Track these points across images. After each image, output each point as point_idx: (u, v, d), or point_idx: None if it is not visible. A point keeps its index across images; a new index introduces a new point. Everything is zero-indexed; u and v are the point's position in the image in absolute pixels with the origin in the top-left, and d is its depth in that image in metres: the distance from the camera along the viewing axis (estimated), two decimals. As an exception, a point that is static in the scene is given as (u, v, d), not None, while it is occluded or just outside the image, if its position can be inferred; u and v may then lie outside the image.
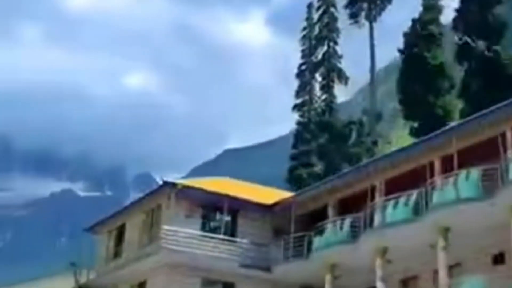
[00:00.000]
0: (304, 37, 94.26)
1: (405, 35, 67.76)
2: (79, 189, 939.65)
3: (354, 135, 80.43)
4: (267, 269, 37.34)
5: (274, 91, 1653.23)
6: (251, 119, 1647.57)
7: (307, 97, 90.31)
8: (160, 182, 39.04)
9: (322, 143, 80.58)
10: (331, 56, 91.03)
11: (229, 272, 37.17)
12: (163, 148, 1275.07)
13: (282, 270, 36.92)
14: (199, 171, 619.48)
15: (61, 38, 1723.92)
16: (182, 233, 36.61)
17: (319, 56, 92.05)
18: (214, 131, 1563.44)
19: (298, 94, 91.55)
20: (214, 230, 38.51)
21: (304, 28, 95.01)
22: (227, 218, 39.01)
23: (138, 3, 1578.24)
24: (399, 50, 68.99)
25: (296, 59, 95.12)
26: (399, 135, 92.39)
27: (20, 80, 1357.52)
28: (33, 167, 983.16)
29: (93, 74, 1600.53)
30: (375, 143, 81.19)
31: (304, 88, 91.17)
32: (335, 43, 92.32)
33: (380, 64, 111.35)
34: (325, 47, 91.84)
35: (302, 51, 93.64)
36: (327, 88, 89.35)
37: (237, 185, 43.65)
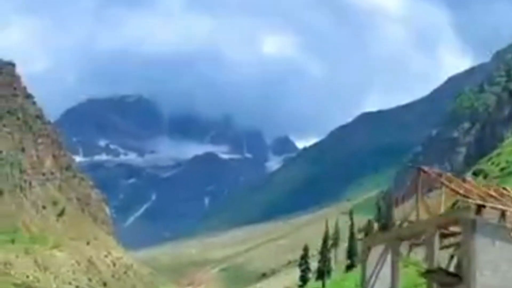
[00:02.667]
0: None
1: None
2: (221, 152, 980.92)
3: None
4: None
5: (410, 56, 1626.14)
6: (388, 83, 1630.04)
7: None
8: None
9: None
10: None
11: None
12: (300, 111, 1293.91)
13: None
14: (336, 135, 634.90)
15: (200, 5, 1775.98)
16: None
17: None
18: (350, 95, 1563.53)
19: None
20: None
21: None
22: None
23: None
24: None
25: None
26: None
27: (163, 47, 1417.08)
28: (178, 131, 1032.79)
29: (231, 39, 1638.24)
30: None
31: None
32: None
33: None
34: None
35: None
36: None
37: None
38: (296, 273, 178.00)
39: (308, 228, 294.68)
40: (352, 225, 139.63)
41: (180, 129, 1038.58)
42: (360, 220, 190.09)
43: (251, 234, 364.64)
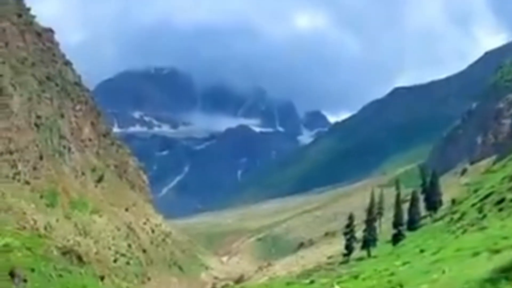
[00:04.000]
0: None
1: None
2: (254, 124, 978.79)
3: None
4: None
5: (444, 31, 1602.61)
6: (421, 58, 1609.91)
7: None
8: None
9: None
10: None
11: None
12: (333, 86, 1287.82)
13: None
14: (368, 109, 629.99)
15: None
16: None
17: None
18: (383, 70, 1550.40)
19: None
20: None
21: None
22: None
23: None
24: None
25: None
26: None
27: (197, 20, 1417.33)
28: (211, 104, 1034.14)
29: (265, 13, 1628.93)
30: None
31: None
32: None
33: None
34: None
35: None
36: None
37: None
38: (336, 243, 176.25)
39: (344, 200, 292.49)
40: (398, 195, 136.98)
41: (213, 102, 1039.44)
42: (402, 191, 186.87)
43: (285, 206, 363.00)
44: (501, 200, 61.75)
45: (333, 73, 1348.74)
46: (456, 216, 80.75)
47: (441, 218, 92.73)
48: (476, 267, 35.47)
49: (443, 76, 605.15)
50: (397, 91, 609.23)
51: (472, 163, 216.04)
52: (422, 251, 67.10)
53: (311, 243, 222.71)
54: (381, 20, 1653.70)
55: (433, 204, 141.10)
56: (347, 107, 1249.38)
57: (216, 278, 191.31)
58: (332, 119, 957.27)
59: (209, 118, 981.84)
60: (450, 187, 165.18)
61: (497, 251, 38.09)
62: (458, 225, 70.82)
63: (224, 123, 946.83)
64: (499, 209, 59.47)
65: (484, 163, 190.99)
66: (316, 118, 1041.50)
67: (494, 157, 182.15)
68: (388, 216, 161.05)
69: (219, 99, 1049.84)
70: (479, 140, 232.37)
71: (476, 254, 41.86)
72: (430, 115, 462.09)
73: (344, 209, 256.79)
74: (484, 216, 61.62)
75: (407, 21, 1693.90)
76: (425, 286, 35.25)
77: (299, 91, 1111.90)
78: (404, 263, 62.52)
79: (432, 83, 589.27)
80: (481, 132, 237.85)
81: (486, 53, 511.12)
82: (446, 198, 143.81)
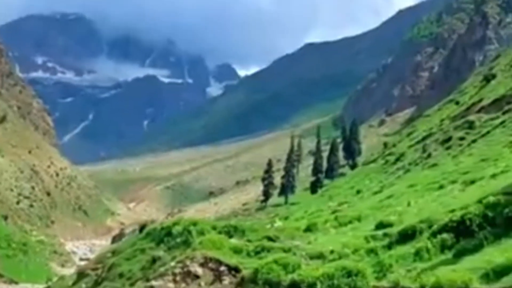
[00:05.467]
0: None
1: None
2: (162, 75, 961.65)
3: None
4: None
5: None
6: (334, 15, 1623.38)
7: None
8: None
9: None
10: None
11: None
12: (244, 40, 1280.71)
13: None
14: (279, 64, 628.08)
15: None
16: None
17: None
18: (296, 26, 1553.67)
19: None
20: None
21: None
22: None
23: None
24: None
25: None
26: None
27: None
28: (119, 52, 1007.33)
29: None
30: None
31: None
32: None
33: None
34: None
35: None
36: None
37: None
38: (249, 191, 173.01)
39: (255, 151, 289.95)
40: (319, 142, 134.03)
41: (121, 50, 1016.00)
42: (312, 143, 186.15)
43: (194, 155, 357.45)
44: (448, 139, 59.72)
45: (244, 28, 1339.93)
46: (392, 158, 78.48)
47: (370, 162, 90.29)
48: (460, 197, 31.07)
49: (357, 33, 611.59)
50: (308, 47, 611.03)
51: (389, 114, 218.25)
52: (359, 191, 63.92)
53: (222, 191, 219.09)
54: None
55: (352, 154, 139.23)
56: (258, 61, 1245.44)
57: (122, 224, 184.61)
58: (242, 72, 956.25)
59: (116, 67, 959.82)
60: (368, 138, 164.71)
61: (472, 182, 34.27)
62: (398, 166, 68.66)
63: (131, 72, 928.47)
64: (446, 147, 57.62)
65: (402, 115, 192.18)
66: (225, 71, 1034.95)
67: (412, 109, 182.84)
68: (303, 165, 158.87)
69: (127, 48, 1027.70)
70: (395, 92, 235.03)
71: (441, 187, 38.16)
72: (344, 70, 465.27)
73: (255, 159, 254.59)
74: (429, 155, 59.47)
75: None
76: (394, 218, 30.42)
77: (209, 44, 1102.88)
78: (341, 203, 58.56)
79: (345, 39, 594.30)
80: (397, 85, 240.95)
81: (400, 11, 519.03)
82: (363, 148, 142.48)
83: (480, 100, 62.38)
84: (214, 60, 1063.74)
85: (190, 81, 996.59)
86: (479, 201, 20.33)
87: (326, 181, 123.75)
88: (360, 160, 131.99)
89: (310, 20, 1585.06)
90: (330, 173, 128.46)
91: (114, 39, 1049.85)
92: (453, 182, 37.49)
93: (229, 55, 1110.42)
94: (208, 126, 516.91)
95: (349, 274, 17.69)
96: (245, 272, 20.44)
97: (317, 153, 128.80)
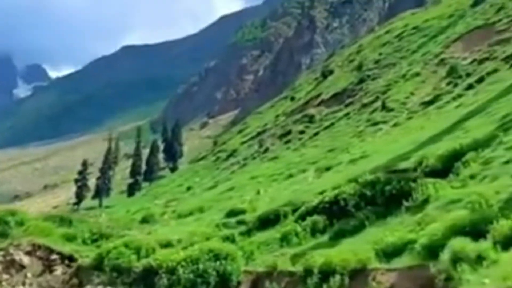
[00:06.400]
0: None
1: None
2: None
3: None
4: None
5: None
6: (152, 18, 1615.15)
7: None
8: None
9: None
10: None
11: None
12: (56, 42, 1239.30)
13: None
14: (95, 66, 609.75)
15: None
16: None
17: None
18: (110, 28, 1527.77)
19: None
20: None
21: None
22: None
23: None
24: None
25: None
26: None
27: None
28: None
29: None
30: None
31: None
32: None
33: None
34: None
35: None
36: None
37: None
38: (59, 195, 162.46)
39: (65, 154, 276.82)
40: (139, 143, 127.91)
41: None
42: (129, 146, 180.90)
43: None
44: (287, 133, 57.41)
45: (57, 29, 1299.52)
46: (223, 154, 75.10)
47: (198, 160, 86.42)
48: (318, 182, 29.78)
49: (177, 37, 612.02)
50: (125, 49, 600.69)
51: (211, 117, 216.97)
52: (189, 188, 59.82)
53: (28, 195, 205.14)
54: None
55: (173, 156, 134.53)
56: (72, 63, 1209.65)
57: None
58: (54, 74, 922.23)
59: None
60: (189, 140, 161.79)
61: (327, 169, 33.40)
62: (232, 161, 65.64)
63: None
64: (285, 141, 55.61)
65: (225, 117, 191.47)
66: (35, 72, 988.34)
67: (236, 111, 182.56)
68: (119, 168, 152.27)
69: None
70: (218, 95, 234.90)
71: (291, 175, 37.58)
72: (164, 74, 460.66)
73: (66, 163, 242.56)
74: (267, 149, 56.81)
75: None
76: (245, 205, 28.10)
77: (19, 45, 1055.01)
78: (170, 201, 53.97)
79: (165, 43, 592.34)
80: (221, 88, 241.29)
81: (222, 17, 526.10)
82: (185, 150, 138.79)
83: (319, 95, 60.99)
84: (24, 61, 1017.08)
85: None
86: (354, 180, 19.61)
87: (144, 184, 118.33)
88: (182, 162, 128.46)
89: (126, 22, 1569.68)
90: (149, 175, 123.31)
91: None
92: (304, 171, 37.60)
93: (40, 56, 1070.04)
94: (15, 127, 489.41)
95: (216, 257, 16.51)
96: (83, 260, 18.96)
97: (136, 155, 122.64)
